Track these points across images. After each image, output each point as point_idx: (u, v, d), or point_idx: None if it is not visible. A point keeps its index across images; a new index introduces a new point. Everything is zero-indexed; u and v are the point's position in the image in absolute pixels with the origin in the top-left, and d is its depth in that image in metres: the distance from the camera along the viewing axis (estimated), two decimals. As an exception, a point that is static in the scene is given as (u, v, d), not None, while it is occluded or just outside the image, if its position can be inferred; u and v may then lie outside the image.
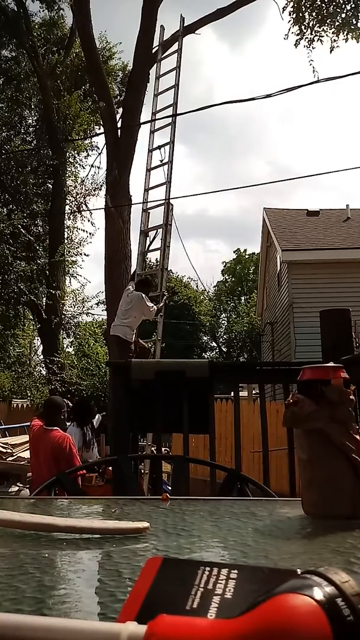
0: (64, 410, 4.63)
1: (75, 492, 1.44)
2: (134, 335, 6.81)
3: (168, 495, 0.92)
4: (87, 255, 22.61)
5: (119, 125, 10.51)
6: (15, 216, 13.57)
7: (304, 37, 11.19)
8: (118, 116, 11.27)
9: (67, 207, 16.21)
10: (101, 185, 15.67)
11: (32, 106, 16.44)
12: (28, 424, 10.50)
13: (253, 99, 8.09)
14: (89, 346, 15.76)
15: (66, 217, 16.11)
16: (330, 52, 11.08)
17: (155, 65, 9.09)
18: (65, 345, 15.71)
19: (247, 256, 33.45)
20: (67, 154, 16.28)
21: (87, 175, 20.17)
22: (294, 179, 46.47)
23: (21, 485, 6.55)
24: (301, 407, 0.79)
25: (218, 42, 53.03)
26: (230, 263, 33.40)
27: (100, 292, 14.92)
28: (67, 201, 16.25)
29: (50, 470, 3.89)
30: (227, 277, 34.35)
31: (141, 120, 10.08)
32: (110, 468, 4.00)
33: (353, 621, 0.28)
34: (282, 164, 56.40)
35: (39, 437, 4.31)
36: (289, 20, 11.22)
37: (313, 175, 14.60)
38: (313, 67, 11.20)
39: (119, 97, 14.99)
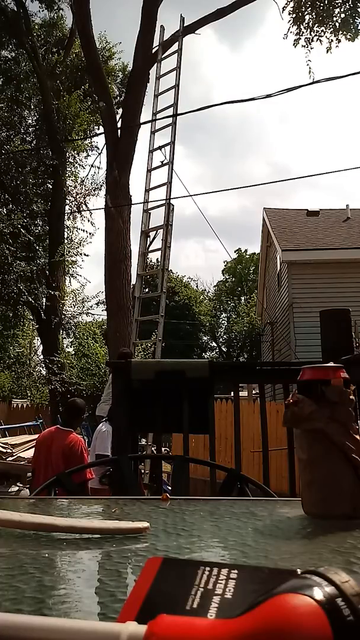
0: (85, 415, 4.77)
1: (75, 492, 1.44)
2: None
3: (168, 495, 0.92)
4: (87, 255, 22.54)
5: (119, 125, 10.50)
6: (15, 216, 13.55)
7: (303, 37, 11.22)
8: (118, 116, 11.28)
9: (67, 207, 16.20)
10: (101, 185, 15.64)
11: (32, 106, 16.41)
12: (28, 423, 10.57)
13: (253, 99, 8.09)
14: (88, 346, 15.72)
15: (66, 217, 16.10)
16: (327, 52, 11.12)
17: (156, 65, 9.07)
18: (65, 345, 15.69)
19: (247, 256, 33.45)
20: (67, 154, 16.25)
21: (87, 175, 20.18)
22: (293, 179, 46.55)
23: (21, 485, 6.55)
24: (301, 407, 0.79)
25: (218, 42, 53.08)
26: (230, 263, 33.39)
27: (100, 292, 14.90)
28: (67, 201, 16.23)
29: (58, 470, 3.96)
30: (227, 277, 34.34)
31: (141, 121, 10.09)
32: None
33: (353, 621, 0.28)
34: (282, 164, 56.38)
35: (54, 436, 4.47)
36: (289, 20, 11.25)
37: (313, 175, 14.66)
38: (310, 68, 11.24)
39: (119, 97, 14.98)
